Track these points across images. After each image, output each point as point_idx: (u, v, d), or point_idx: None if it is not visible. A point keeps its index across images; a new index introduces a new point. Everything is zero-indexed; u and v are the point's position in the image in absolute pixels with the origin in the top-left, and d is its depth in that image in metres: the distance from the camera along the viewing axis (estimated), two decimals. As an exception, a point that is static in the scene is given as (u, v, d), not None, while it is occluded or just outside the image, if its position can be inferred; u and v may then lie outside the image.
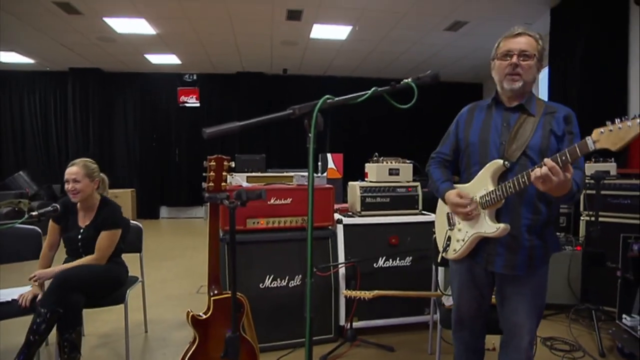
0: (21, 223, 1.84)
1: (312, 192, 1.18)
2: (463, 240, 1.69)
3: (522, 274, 1.63)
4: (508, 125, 1.66)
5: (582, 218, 3.42)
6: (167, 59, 8.02)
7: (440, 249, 1.84)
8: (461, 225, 1.72)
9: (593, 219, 2.99)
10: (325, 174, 5.51)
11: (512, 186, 1.50)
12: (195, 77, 9.19)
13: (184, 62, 8.32)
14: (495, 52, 1.71)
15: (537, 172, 1.37)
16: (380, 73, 8.97)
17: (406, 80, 1.36)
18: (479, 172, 1.65)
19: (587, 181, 3.17)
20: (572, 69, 5.08)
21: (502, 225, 1.57)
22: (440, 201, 1.88)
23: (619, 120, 1.27)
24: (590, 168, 3.44)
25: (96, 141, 8.90)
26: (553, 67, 5.57)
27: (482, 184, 1.63)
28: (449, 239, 1.79)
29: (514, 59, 1.61)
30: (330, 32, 6.54)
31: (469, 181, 1.71)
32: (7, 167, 8.59)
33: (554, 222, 1.69)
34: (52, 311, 2.10)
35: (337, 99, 1.10)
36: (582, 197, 3.49)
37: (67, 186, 2.42)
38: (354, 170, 5.19)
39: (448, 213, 1.81)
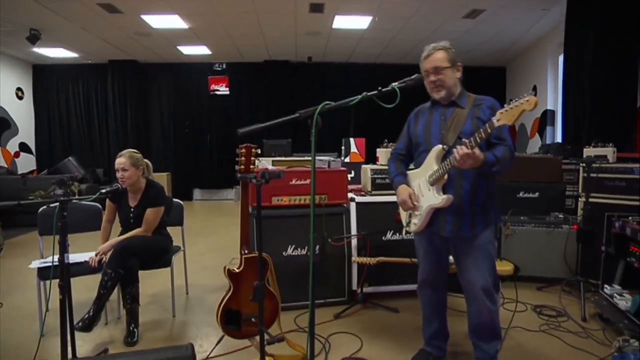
0: (93, 200, 2.31)
1: (314, 178, 1.51)
2: (420, 214, 2.11)
3: (467, 236, 2.03)
4: (445, 119, 2.08)
5: (580, 199, 3.68)
6: (198, 50, 8.51)
7: (404, 224, 2.27)
8: (418, 202, 2.13)
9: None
10: (347, 159, 5.85)
11: (448, 163, 1.93)
12: (224, 66, 9.65)
13: (214, 53, 8.78)
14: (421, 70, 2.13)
15: (454, 157, 1.83)
16: (403, 59, 9.16)
17: (392, 85, 1.72)
18: (426, 158, 2.08)
19: (581, 164, 3.44)
20: (587, 55, 5.20)
21: (445, 196, 1.99)
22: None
23: (515, 100, 1.70)
24: (589, 152, 3.69)
25: (134, 128, 9.57)
26: (568, 54, 5.69)
27: (429, 166, 2.07)
28: (409, 215, 2.21)
29: (431, 77, 2.05)
30: (351, 22, 6.83)
31: (420, 166, 2.14)
32: (57, 153, 9.41)
33: (492, 195, 2.08)
34: (115, 272, 2.64)
35: (333, 104, 1.47)
36: (580, 180, 3.76)
37: (117, 175, 2.90)
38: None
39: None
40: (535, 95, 1.71)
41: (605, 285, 2.94)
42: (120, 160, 2.90)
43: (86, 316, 2.51)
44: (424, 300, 2.36)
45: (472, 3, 5.94)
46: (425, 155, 2.11)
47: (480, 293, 2.02)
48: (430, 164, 2.05)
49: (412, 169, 2.26)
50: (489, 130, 1.78)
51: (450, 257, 2.25)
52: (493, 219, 2.08)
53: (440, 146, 2.02)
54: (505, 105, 1.74)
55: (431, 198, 2.05)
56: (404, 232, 2.28)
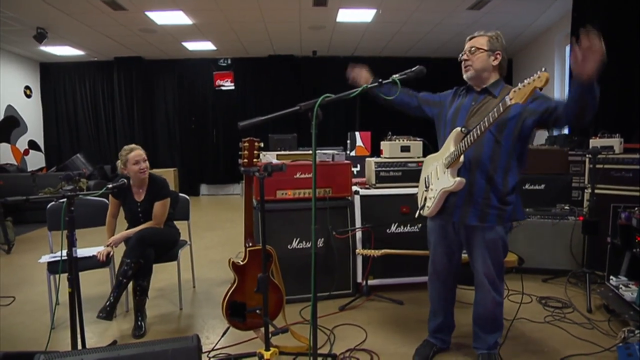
0: (99, 195, 2.34)
1: (315, 169, 1.54)
2: (434, 197, 2.08)
3: (475, 224, 2.01)
4: (476, 104, 2.06)
5: (586, 191, 3.66)
6: (203, 46, 8.53)
7: (419, 206, 2.25)
8: (433, 185, 2.12)
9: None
10: (353, 152, 5.84)
11: (464, 144, 1.90)
12: (229, 62, 9.66)
13: (218, 48, 8.79)
14: None
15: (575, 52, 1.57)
16: (407, 52, 9.12)
17: (393, 77, 1.73)
18: (446, 141, 2.07)
19: (587, 155, 3.42)
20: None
21: (458, 178, 1.96)
22: (423, 167, 2.30)
23: (527, 79, 1.65)
24: (595, 143, 3.66)
25: (140, 125, 9.63)
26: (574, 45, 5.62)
27: (447, 148, 2.05)
28: (425, 199, 2.19)
29: (464, 56, 2.07)
30: (355, 15, 6.80)
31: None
32: (65, 150, 9.51)
33: (512, 189, 2.01)
34: (135, 261, 2.69)
35: (334, 96, 1.49)
36: (586, 171, 3.73)
37: (137, 167, 2.92)
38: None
39: (426, 177, 2.21)
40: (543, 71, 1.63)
41: (611, 277, 2.93)
42: (139, 152, 2.96)
43: (107, 304, 2.56)
44: (432, 293, 2.35)
45: (477, -6, 5.89)
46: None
47: (485, 282, 2.04)
48: (448, 146, 2.04)
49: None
50: (501, 109, 1.75)
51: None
52: (509, 214, 2.02)
53: (459, 128, 1.98)
54: (519, 84, 1.71)
55: (444, 181, 2.03)
56: (417, 214, 2.26)
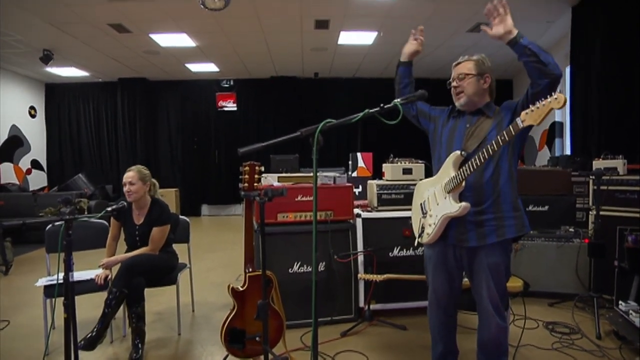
0: (99, 218, 2.32)
1: (316, 194, 1.52)
2: (434, 224, 2.02)
3: (476, 246, 1.95)
4: (471, 125, 2.03)
5: (590, 212, 3.62)
6: (206, 67, 8.63)
7: (416, 235, 2.17)
8: (432, 211, 2.06)
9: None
10: (354, 173, 5.83)
11: (467, 169, 1.86)
12: (232, 83, 9.76)
13: (221, 69, 8.90)
14: None
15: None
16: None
17: (395, 101, 1.72)
18: (443, 164, 2.02)
19: (590, 177, 3.39)
20: (594, 66, 5.17)
21: (463, 203, 1.90)
22: (415, 193, 2.24)
23: (540, 101, 1.63)
24: (599, 165, 3.63)
25: (142, 145, 9.68)
26: (575, 65, 5.67)
27: (445, 173, 1.99)
28: (423, 226, 2.12)
29: (454, 83, 2.06)
30: (356, 38, 6.90)
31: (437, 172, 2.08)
32: (68, 170, 9.53)
33: (513, 205, 1.97)
34: (120, 291, 2.62)
35: (335, 121, 1.47)
36: (590, 192, 3.70)
37: (125, 188, 2.91)
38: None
39: (421, 203, 2.15)
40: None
41: (620, 302, 2.86)
42: (129, 174, 2.91)
43: (89, 335, 2.50)
44: (434, 322, 2.26)
45: (476, 17, 5.97)
46: (445, 159, 2.04)
47: (490, 307, 1.98)
48: (447, 170, 1.98)
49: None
50: (512, 133, 1.71)
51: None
52: (513, 230, 1.97)
53: (458, 152, 1.95)
54: (531, 106, 1.66)
55: (447, 206, 1.96)
56: (415, 243, 2.19)
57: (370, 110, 1.60)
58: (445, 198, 1.99)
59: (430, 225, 2.06)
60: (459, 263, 2.09)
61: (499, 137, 1.75)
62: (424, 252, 2.26)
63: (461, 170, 1.90)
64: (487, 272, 1.98)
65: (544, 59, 1.80)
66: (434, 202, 2.06)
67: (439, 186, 2.03)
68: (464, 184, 1.93)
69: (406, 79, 2.29)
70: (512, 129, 1.72)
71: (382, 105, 1.64)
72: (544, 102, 1.61)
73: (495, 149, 1.77)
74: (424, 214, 2.13)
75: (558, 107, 1.59)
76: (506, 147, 1.89)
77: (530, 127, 1.72)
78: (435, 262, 2.15)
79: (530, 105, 1.66)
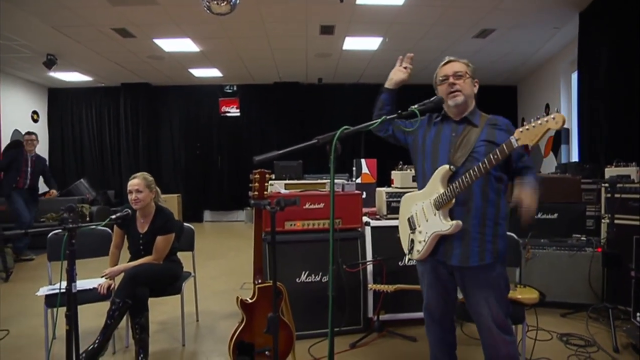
0: (104, 225, 2.25)
1: (333, 205, 1.47)
2: (424, 241, 1.91)
3: (476, 265, 1.84)
4: (456, 135, 1.92)
5: (603, 221, 3.55)
6: (209, 73, 8.62)
7: (406, 251, 2.06)
8: (421, 227, 1.94)
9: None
10: (359, 180, 5.77)
11: (457, 186, 1.76)
12: (235, 88, 9.73)
13: (224, 75, 8.88)
14: (435, 80, 2.02)
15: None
16: (413, 79, 9.00)
17: (412, 107, 1.66)
18: (431, 178, 1.90)
19: (604, 185, 3.32)
20: (601, 72, 5.12)
21: (454, 222, 1.80)
22: (401, 206, 2.12)
23: (535, 119, 1.55)
24: (611, 172, 3.57)
25: (145, 150, 9.63)
26: (582, 71, 5.62)
27: (434, 188, 1.88)
28: (412, 241, 2.00)
29: (451, 80, 1.92)
30: (361, 43, 6.87)
31: (424, 185, 1.95)
32: (70, 175, 9.48)
33: (502, 220, 1.89)
34: (123, 302, 2.55)
35: (352, 128, 1.42)
36: (602, 200, 3.63)
37: (131, 196, 2.83)
38: (388, 175, 5.45)
39: (409, 217, 2.03)
40: (557, 112, 1.56)
41: (638, 314, 2.78)
42: (135, 182, 2.85)
43: (91, 347, 2.42)
44: (432, 339, 2.15)
45: (482, 23, 5.93)
46: (430, 171, 1.93)
47: (493, 326, 1.86)
48: (435, 186, 1.87)
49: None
50: (506, 152, 1.63)
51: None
52: (502, 248, 1.89)
53: (446, 166, 1.84)
54: (526, 123, 1.57)
55: (437, 224, 1.85)
56: (406, 260, 2.11)
57: (388, 117, 1.54)
58: (434, 215, 1.88)
59: (420, 242, 1.95)
60: (451, 278, 1.99)
61: (491, 155, 1.67)
62: (417, 268, 2.14)
63: (451, 187, 1.80)
64: (486, 290, 1.88)
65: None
66: (423, 218, 1.94)
67: (427, 202, 1.91)
68: (454, 200, 1.83)
69: (388, 106, 2.10)
70: (505, 148, 1.64)
71: (400, 112, 1.59)
72: (540, 121, 1.53)
73: (488, 167, 1.69)
74: (413, 229, 2.01)
75: (556, 127, 1.52)
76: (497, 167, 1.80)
77: (525, 146, 1.63)
78: (429, 279, 2.05)
79: (525, 123, 1.57)
